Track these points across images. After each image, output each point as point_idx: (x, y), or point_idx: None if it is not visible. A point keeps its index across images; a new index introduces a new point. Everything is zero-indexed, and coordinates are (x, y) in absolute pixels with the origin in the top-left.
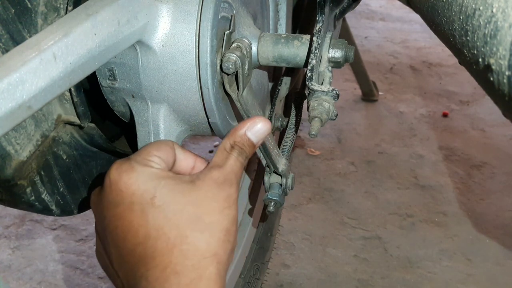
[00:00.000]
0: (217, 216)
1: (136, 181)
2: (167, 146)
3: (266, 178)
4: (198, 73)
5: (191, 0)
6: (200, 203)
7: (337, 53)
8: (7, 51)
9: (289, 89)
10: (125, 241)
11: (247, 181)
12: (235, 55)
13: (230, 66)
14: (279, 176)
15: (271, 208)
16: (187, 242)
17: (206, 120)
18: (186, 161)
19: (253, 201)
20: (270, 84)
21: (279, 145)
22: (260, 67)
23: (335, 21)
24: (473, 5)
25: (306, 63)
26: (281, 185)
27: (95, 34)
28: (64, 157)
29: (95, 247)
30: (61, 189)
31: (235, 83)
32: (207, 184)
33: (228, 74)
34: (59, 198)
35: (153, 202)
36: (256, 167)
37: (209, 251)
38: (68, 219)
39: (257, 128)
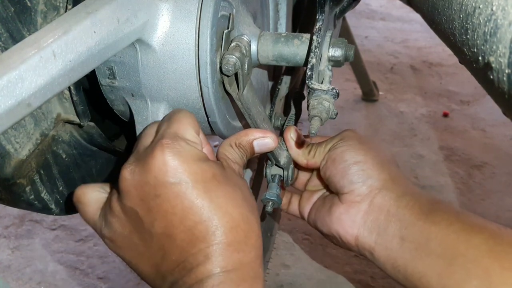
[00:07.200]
0: (253, 201)
1: (197, 161)
2: (196, 125)
3: (267, 170)
4: (197, 71)
5: None
6: (241, 187)
7: (337, 52)
8: (6, 49)
9: (289, 88)
10: (184, 219)
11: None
12: (234, 57)
13: (230, 68)
14: (281, 169)
15: (269, 208)
16: (247, 221)
17: (206, 119)
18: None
19: None
20: (270, 83)
21: None
22: (260, 66)
23: (335, 20)
24: (473, 3)
25: (306, 62)
26: (282, 179)
27: (94, 32)
28: (64, 156)
29: (104, 231)
30: (61, 188)
31: (235, 82)
32: (234, 172)
33: (228, 76)
34: (58, 197)
35: (213, 180)
36: (256, 167)
37: (259, 232)
38: (67, 219)
39: (264, 142)
